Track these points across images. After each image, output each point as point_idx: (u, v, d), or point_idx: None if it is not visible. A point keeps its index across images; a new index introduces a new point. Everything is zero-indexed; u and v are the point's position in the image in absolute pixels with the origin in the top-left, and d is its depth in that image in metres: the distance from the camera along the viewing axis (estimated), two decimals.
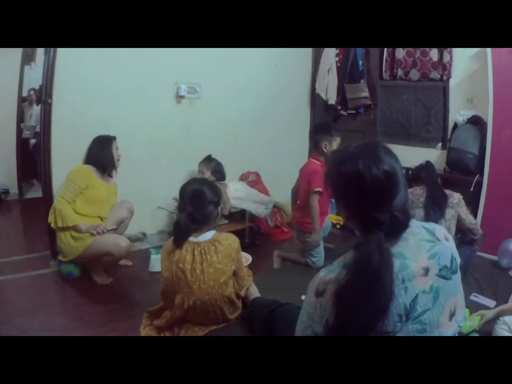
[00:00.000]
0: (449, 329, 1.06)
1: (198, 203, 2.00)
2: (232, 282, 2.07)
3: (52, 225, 2.92)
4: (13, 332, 2.23)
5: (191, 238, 1.99)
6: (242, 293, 2.15)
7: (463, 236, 2.96)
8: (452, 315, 1.07)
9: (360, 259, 0.97)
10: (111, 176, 3.20)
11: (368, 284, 0.93)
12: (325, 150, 2.98)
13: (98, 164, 3.07)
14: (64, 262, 2.98)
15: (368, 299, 0.93)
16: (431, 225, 1.12)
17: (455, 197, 2.83)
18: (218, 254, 1.97)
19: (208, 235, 2.01)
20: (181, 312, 1.99)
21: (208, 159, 3.66)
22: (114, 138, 3.16)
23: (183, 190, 2.04)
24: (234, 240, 2.06)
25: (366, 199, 1.01)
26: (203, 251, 1.96)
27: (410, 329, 0.99)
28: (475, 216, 3.32)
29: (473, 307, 2.28)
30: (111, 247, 2.85)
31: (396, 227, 1.01)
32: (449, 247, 1.09)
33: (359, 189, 1.00)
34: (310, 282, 1.09)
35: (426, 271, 1.02)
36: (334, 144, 2.98)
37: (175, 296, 1.99)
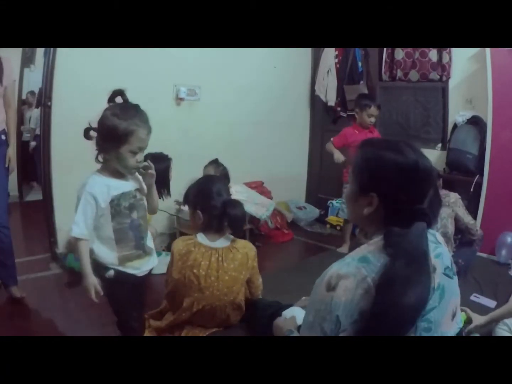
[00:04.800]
0: (450, 329, 1.07)
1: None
2: (244, 289, 2.05)
3: None
4: (13, 333, 2.23)
5: (207, 243, 1.93)
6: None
7: (462, 236, 2.97)
8: (453, 316, 1.09)
9: (409, 247, 0.96)
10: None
11: (417, 273, 0.94)
12: (356, 115, 3.60)
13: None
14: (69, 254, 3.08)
15: (414, 290, 0.92)
16: (432, 230, 1.14)
17: (452, 197, 2.85)
18: (235, 262, 1.93)
19: (226, 241, 1.99)
20: (188, 315, 1.96)
21: (216, 163, 3.63)
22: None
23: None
24: (251, 249, 2.03)
25: (415, 190, 1.02)
26: (220, 258, 1.91)
27: (417, 327, 0.99)
28: (475, 217, 3.32)
29: (474, 307, 2.28)
30: None
31: (434, 219, 1.04)
32: (447, 251, 1.12)
33: (410, 179, 1.01)
34: (317, 279, 1.05)
35: (434, 268, 1.03)
36: (364, 113, 3.52)
37: (184, 299, 1.96)
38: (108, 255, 1.75)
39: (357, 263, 0.99)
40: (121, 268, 1.78)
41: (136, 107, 1.72)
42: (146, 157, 2.77)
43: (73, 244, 1.77)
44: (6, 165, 2.62)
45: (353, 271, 0.98)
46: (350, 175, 1.13)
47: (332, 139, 3.66)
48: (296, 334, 1.35)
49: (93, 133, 1.72)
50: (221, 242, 1.95)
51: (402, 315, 0.92)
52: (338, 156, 3.55)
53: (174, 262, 1.96)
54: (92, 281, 1.67)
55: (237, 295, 1.99)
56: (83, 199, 1.69)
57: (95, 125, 1.71)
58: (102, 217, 1.71)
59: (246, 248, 2.00)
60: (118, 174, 1.75)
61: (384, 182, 1.03)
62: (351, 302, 0.96)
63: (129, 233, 1.78)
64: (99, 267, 1.74)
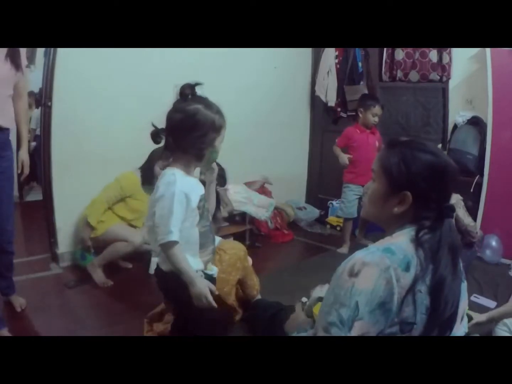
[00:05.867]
0: (458, 332, 1.09)
1: None
2: (236, 290, 2.04)
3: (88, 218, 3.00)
4: (13, 333, 2.22)
5: None
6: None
7: (462, 237, 2.97)
8: (462, 318, 1.12)
9: (447, 235, 1.05)
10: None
11: (454, 264, 1.05)
12: (360, 115, 3.61)
13: (142, 178, 3.08)
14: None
15: (456, 284, 1.05)
16: None
17: (453, 198, 2.84)
18: (222, 264, 1.91)
19: None
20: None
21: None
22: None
23: None
24: (240, 249, 2.01)
25: (445, 188, 1.10)
26: None
27: None
28: (475, 217, 3.33)
29: (474, 308, 2.27)
30: (128, 235, 2.94)
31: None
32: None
33: (443, 178, 1.08)
34: (339, 267, 1.06)
35: None
36: (368, 113, 3.55)
37: None
38: (192, 262, 1.56)
39: (381, 252, 1.01)
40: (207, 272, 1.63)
41: (210, 100, 1.70)
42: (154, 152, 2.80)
43: (166, 252, 1.50)
44: (19, 171, 2.29)
45: (377, 260, 1.00)
46: (377, 174, 1.14)
47: (337, 140, 3.70)
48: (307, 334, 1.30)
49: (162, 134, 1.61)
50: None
51: (452, 311, 1.01)
52: (343, 160, 3.56)
53: None
54: (206, 283, 1.52)
55: (228, 296, 1.97)
56: (176, 198, 1.49)
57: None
58: (188, 220, 1.54)
59: (234, 249, 1.99)
60: (193, 172, 1.62)
61: (420, 181, 1.07)
62: (372, 291, 0.97)
63: (210, 236, 1.66)
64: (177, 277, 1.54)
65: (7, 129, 2.14)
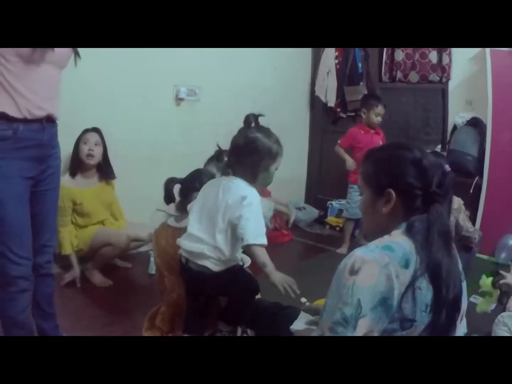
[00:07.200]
0: (458, 331, 1.10)
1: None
2: None
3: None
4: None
5: (174, 224, 2.09)
6: None
7: (461, 240, 2.96)
8: (461, 318, 1.11)
9: (435, 220, 1.07)
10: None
11: (447, 247, 1.06)
12: (363, 115, 3.61)
13: (70, 169, 2.97)
14: None
15: (453, 268, 1.07)
16: None
17: (455, 202, 2.81)
18: None
19: None
20: (175, 297, 2.05)
21: (216, 159, 3.59)
22: (85, 130, 3.00)
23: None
24: None
25: (424, 174, 1.11)
26: None
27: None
28: (474, 218, 3.33)
29: (473, 308, 2.27)
30: (111, 239, 2.89)
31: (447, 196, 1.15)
32: (457, 256, 1.16)
33: (418, 166, 1.11)
34: (339, 265, 1.07)
35: None
36: (371, 112, 3.55)
37: (165, 279, 2.08)
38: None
39: (381, 250, 1.03)
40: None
41: (270, 130, 1.96)
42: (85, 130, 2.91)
43: (255, 250, 1.76)
44: None
45: (377, 257, 1.01)
46: (362, 187, 1.22)
47: (339, 141, 3.67)
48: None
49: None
50: (185, 222, 2.01)
51: (456, 291, 1.04)
52: (350, 164, 3.56)
53: (154, 248, 2.15)
54: (282, 274, 1.75)
55: None
56: (259, 207, 1.81)
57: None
58: None
59: None
60: None
61: (394, 175, 1.13)
62: (373, 287, 0.98)
63: None
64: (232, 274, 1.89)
65: (56, 122, 1.84)
